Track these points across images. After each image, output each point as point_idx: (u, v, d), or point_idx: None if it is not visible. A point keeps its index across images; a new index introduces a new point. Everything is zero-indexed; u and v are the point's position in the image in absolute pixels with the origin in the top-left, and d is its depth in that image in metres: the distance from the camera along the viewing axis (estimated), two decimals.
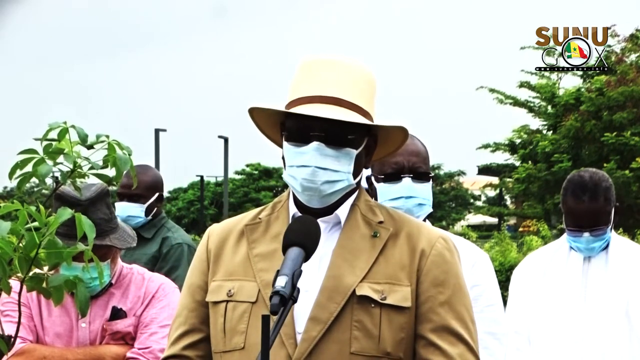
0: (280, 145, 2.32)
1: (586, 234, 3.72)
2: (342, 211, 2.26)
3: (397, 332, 2.16)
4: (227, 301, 2.23)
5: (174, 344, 2.32)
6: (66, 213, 1.86)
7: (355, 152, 2.22)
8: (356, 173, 2.25)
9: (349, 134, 2.20)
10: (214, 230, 2.37)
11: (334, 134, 2.18)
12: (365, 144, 2.26)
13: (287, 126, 2.23)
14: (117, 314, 3.29)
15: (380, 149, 2.34)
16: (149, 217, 4.90)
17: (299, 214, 2.26)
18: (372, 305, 2.15)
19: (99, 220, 3.17)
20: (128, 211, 4.85)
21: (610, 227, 3.77)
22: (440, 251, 2.23)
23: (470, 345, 2.20)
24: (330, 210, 2.25)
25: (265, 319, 1.83)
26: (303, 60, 2.29)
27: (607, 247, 3.82)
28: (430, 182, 3.14)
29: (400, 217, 2.30)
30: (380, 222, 2.25)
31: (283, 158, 2.27)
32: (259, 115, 2.29)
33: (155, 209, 4.94)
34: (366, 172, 3.66)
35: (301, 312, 2.16)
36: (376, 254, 2.20)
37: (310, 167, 2.18)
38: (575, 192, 3.72)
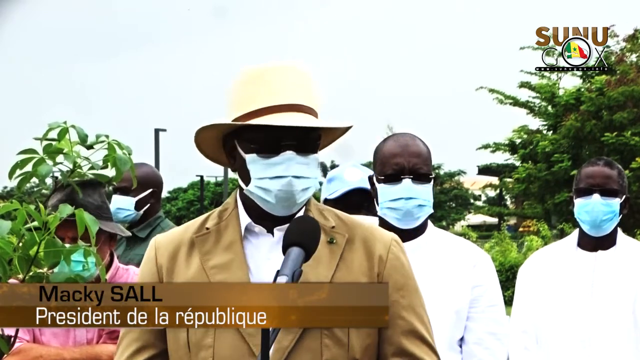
0: (219, 161, 2.29)
1: (596, 195, 3.76)
2: None
3: (364, 339, 2.17)
4: None
5: None
6: (67, 209, 1.85)
7: (318, 156, 2.22)
8: None
9: (316, 139, 2.20)
10: (161, 243, 2.29)
11: (305, 142, 2.16)
12: None
13: (250, 138, 2.17)
14: None
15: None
16: (141, 212, 4.82)
17: (252, 224, 2.22)
18: None
19: (86, 203, 3.19)
20: (117, 203, 4.77)
21: (620, 202, 3.79)
22: (396, 255, 2.25)
23: (432, 345, 2.25)
24: (285, 218, 2.22)
25: (265, 331, 1.82)
26: (242, 71, 2.24)
27: (614, 245, 3.84)
28: (432, 183, 3.12)
29: (351, 221, 2.29)
30: (333, 227, 2.24)
31: (240, 170, 2.21)
32: (205, 132, 2.21)
33: (149, 205, 4.85)
34: (369, 172, 3.65)
35: None
36: (336, 260, 2.20)
37: (287, 178, 2.15)
38: (591, 160, 3.88)
